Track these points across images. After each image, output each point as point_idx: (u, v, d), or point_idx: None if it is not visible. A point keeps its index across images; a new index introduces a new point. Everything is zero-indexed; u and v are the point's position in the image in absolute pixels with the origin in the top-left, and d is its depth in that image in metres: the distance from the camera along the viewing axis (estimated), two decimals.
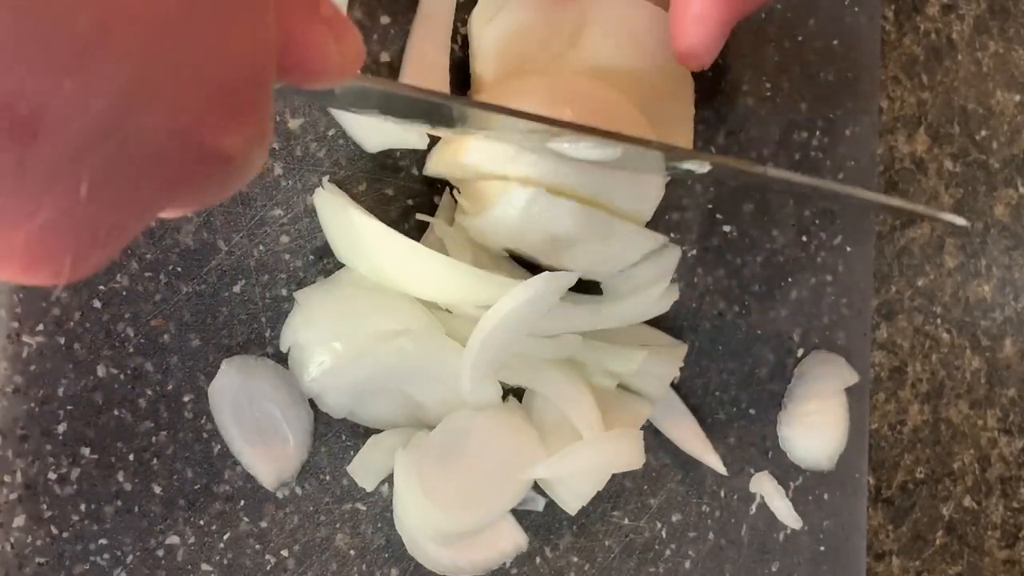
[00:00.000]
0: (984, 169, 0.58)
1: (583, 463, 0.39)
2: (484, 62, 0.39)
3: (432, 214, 0.40)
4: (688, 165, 0.36)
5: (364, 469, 0.39)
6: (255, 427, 0.38)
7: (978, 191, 0.58)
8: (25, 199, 0.16)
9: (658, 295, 0.40)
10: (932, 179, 0.57)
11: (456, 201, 0.39)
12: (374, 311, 0.37)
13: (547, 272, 0.35)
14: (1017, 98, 0.59)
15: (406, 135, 0.39)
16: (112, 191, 0.17)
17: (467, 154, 0.36)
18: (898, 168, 0.56)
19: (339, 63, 0.22)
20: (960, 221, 0.42)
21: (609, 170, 0.37)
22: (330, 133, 0.39)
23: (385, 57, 0.40)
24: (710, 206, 0.46)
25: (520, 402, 0.41)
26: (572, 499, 0.40)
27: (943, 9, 0.57)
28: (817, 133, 0.48)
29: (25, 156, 0.16)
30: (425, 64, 0.40)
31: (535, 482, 0.41)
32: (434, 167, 0.39)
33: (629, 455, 0.40)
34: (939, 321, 0.57)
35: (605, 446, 0.39)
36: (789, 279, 0.48)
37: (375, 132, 0.39)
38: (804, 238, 0.48)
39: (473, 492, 0.39)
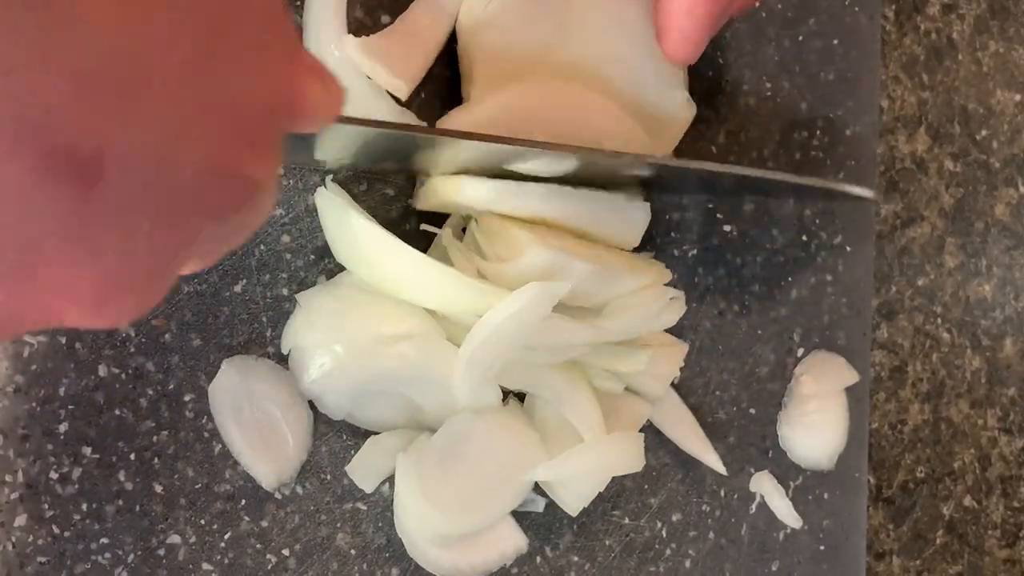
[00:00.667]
0: (984, 169, 0.58)
1: (584, 466, 0.39)
2: (472, 60, 0.39)
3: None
4: (636, 170, 0.38)
5: (363, 470, 0.39)
6: (255, 427, 0.38)
7: (978, 191, 0.58)
8: (89, 241, 0.17)
9: (659, 310, 0.40)
10: (932, 179, 0.57)
11: (468, 224, 0.39)
12: (375, 314, 0.37)
13: (537, 282, 0.35)
14: (1017, 98, 0.59)
15: None
16: (165, 226, 0.18)
17: (458, 192, 0.37)
18: (898, 168, 0.56)
19: (326, 103, 0.25)
20: (868, 193, 0.42)
21: (596, 203, 0.38)
22: None
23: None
24: (710, 205, 0.46)
25: (522, 404, 0.41)
26: (573, 500, 0.40)
27: (943, 9, 0.57)
28: (817, 133, 0.49)
29: (89, 197, 0.17)
30: (415, 32, 0.39)
31: (536, 483, 0.41)
32: (426, 203, 0.39)
33: (630, 458, 0.40)
34: (939, 321, 0.57)
35: (606, 449, 0.39)
36: (789, 279, 0.48)
37: None
38: (804, 238, 0.48)
39: (473, 495, 0.39)
